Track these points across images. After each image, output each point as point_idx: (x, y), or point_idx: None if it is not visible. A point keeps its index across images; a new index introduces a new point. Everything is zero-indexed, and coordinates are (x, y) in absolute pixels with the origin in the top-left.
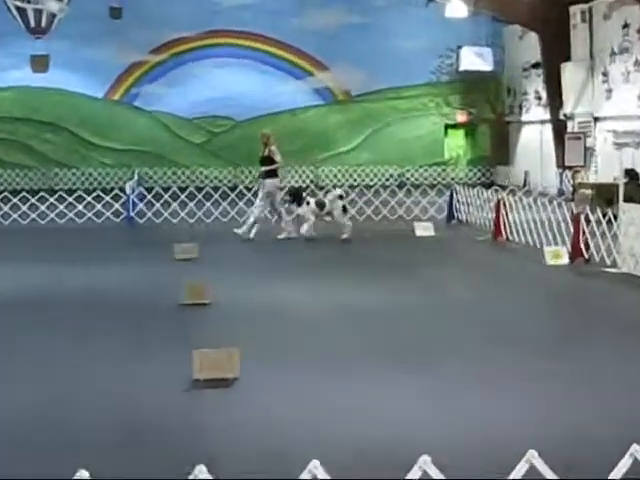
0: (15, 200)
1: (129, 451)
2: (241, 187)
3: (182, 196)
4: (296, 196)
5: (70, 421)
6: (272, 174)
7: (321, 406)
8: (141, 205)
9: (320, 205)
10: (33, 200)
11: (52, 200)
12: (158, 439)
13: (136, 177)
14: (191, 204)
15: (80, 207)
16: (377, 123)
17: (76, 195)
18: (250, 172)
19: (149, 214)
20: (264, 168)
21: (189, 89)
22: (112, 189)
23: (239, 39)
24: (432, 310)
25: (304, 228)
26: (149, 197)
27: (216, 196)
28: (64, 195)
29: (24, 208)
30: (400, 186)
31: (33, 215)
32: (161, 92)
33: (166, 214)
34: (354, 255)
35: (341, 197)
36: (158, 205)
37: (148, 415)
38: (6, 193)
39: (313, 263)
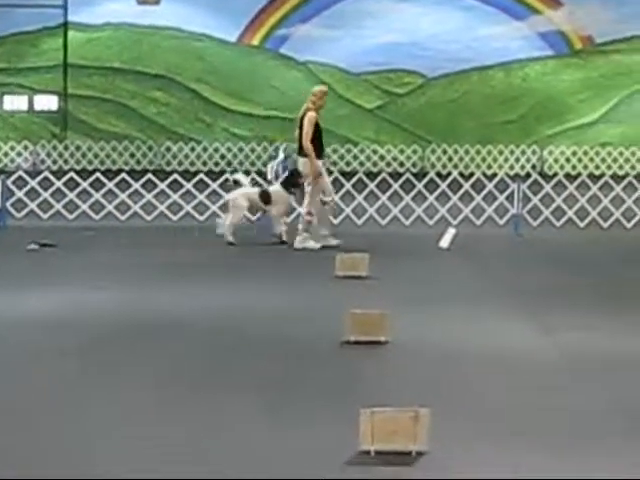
0: (110, 185)
1: None
2: (432, 174)
3: (347, 185)
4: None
5: None
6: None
7: None
8: None
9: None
10: (136, 185)
11: (162, 187)
12: None
13: (281, 156)
14: (359, 197)
15: (202, 197)
16: (632, 84)
17: (196, 180)
18: (445, 152)
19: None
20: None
21: (359, 31)
22: (247, 173)
23: None
24: None
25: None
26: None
27: (395, 186)
28: (179, 179)
29: (123, 197)
30: None
31: (135, 207)
32: (319, 35)
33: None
34: (593, 281)
35: None
36: None
37: None
38: (98, 174)
39: (533, 292)
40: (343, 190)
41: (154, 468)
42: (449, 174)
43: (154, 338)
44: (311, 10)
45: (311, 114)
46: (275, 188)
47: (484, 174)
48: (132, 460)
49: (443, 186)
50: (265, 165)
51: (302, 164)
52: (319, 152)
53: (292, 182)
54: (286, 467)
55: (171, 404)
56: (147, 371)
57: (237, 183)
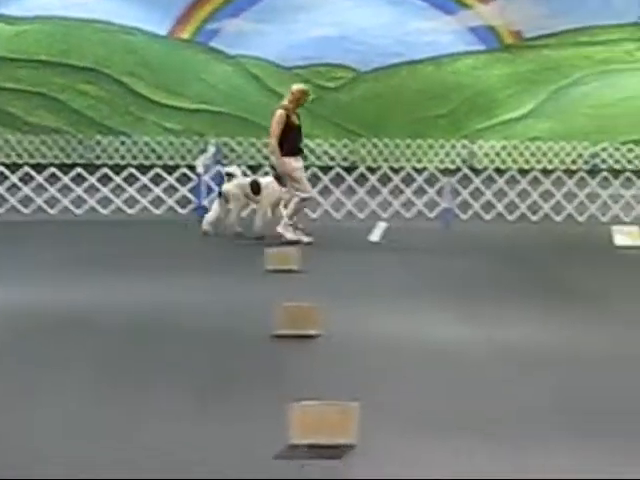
0: (40, 179)
1: None
2: (362, 168)
3: None
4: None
5: None
6: None
7: None
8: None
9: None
10: (65, 179)
11: (92, 180)
12: None
13: (212, 150)
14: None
15: (132, 191)
16: (561, 79)
17: (126, 174)
18: (376, 146)
19: None
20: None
21: (290, 25)
22: (177, 167)
23: None
24: (636, 361)
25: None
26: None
27: (326, 180)
28: (109, 174)
29: (52, 191)
30: (593, 172)
31: (65, 201)
32: (250, 29)
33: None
34: (522, 275)
35: None
36: None
37: None
38: (27, 169)
39: (464, 285)
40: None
41: (82, 460)
42: (379, 168)
43: (82, 332)
44: (242, 4)
45: (279, 112)
46: (267, 179)
47: (414, 168)
48: (63, 451)
49: (373, 180)
50: (195, 159)
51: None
52: (292, 150)
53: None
54: (215, 461)
55: (97, 397)
56: (77, 365)
57: (230, 175)
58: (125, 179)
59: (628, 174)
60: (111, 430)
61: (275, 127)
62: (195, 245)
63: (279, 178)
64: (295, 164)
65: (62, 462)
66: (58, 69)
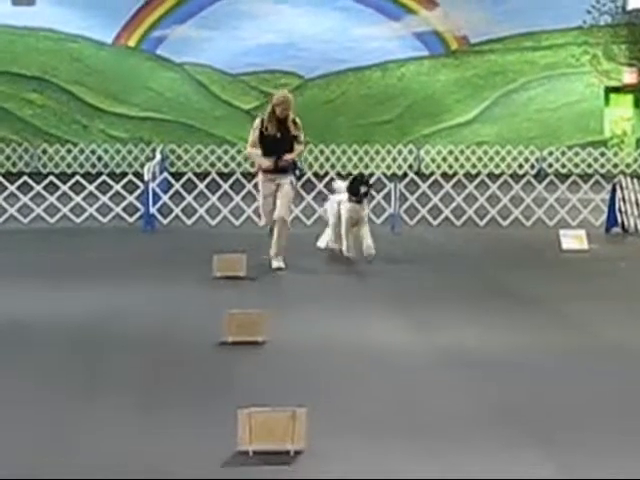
0: None
1: None
2: (309, 174)
3: (225, 186)
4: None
5: None
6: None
7: None
8: (165, 198)
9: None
10: (12, 188)
11: (38, 189)
12: None
13: (159, 157)
14: (237, 198)
15: (78, 199)
16: (506, 84)
17: (72, 182)
18: (322, 152)
19: (177, 211)
20: (290, 156)
21: (236, 32)
22: (124, 174)
23: None
24: (581, 364)
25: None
26: (177, 186)
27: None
28: (55, 182)
29: None
30: (539, 176)
31: (11, 210)
32: (196, 36)
33: (201, 211)
34: (469, 280)
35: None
36: (190, 198)
37: None
38: None
39: (411, 290)
40: (221, 191)
41: (26, 471)
42: (327, 174)
43: (27, 341)
44: (187, 11)
45: (255, 120)
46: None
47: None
48: (5, 462)
49: (320, 186)
50: (142, 166)
51: None
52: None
53: (354, 190)
54: (163, 469)
55: (39, 408)
56: (18, 376)
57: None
58: (71, 187)
59: (574, 178)
60: (55, 441)
61: (250, 135)
62: (142, 253)
63: (350, 195)
64: (258, 177)
65: (5, 475)
66: (3, 78)
